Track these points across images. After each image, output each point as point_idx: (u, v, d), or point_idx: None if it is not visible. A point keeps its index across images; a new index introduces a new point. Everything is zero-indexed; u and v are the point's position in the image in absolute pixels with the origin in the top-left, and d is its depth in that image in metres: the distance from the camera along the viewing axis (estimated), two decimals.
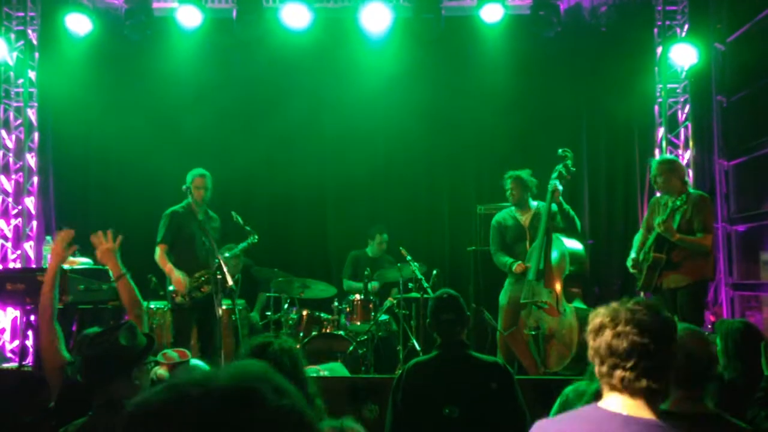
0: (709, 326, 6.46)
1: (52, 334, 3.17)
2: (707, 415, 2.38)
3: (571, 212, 5.82)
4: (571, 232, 5.78)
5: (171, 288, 5.45)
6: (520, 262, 5.79)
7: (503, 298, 5.93)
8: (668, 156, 6.37)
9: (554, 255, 5.63)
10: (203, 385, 0.92)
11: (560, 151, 5.86)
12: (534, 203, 5.99)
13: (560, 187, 5.69)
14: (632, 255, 5.50)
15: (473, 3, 7.38)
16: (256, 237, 5.68)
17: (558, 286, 5.57)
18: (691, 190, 5.50)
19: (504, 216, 6.11)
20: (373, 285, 6.51)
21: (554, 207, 5.72)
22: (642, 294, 5.52)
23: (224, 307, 6.01)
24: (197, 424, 0.88)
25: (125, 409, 0.96)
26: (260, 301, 7.18)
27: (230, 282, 5.37)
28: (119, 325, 2.74)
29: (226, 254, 5.56)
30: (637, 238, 5.61)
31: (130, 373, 2.57)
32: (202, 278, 5.43)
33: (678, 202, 5.15)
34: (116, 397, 2.50)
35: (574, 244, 5.71)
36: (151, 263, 5.61)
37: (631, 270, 5.51)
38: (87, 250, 6.73)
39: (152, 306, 5.88)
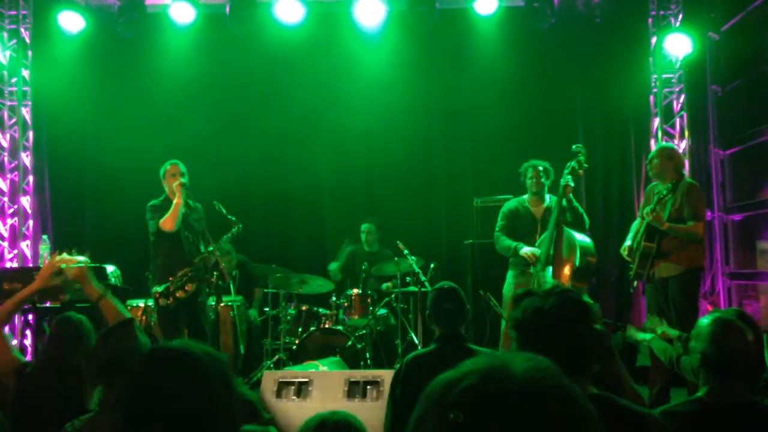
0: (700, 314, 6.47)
1: (4, 341, 3.23)
2: (742, 404, 2.41)
3: (581, 209, 5.82)
4: (578, 228, 5.77)
5: (154, 289, 5.32)
6: (530, 248, 5.72)
7: (507, 291, 5.90)
8: (666, 144, 6.35)
9: (565, 248, 5.59)
10: (503, 372, 0.94)
11: (574, 147, 5.83)
12: (547, 197, 5.98)
13: (572, 183, 5.68)
14: (627, 242, 5.51)
15: None
16: (241, 226, 5.62)
17: (567, 279, 5.54)
18: (681, 180, 5.47)
19: (516, 205, 6.05)
20: (371, 293, 6.52)
21: (565, 202, 5.71)
22: (635, 283, 5.52)
23: (223, 304, 6.02)
24: (500, 411, 0.90)
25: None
26: (258, 298, 7.18)
27: (226, 276, 5.34)
28: (120, 324, 2.75)
29: (210, 249, 5.41)
30: (634, 226, 5.61)
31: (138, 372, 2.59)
32: (185, 276, 5.26)
33: (664, 191, 5.16)
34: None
35: (584, 238, 5.70)
36: (147, 261, 5.57)
37: (626, 257, 5.51)
38: (84, 248, 6.77)
39: (150, 304, 5.87)
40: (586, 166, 5.90)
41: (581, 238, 5.66)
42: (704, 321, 2.58)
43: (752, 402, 2.45)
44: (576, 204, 5.78)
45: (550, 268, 5.58)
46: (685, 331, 4.70)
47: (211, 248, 5.33)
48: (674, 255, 5.18)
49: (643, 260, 5.26)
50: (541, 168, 5.93)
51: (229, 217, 5.55)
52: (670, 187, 5.15)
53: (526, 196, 6.03)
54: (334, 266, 7.08)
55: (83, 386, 2.98)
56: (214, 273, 5.36)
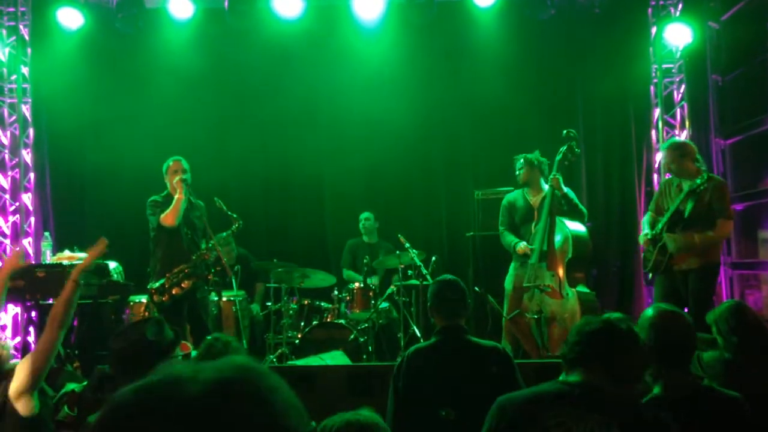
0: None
1: None
2: (699, 391, 2.42)
3: (576, 200, 5.81)
4: (575, 216, 5.78)
5: (149, 285, 5.30)
6: (524, 243, 5.79)
7: (508, 283, 5.92)
8: (675, 140, 6.27)
9: (557, 238, 5.62)
10: (172, 390, 0.88)
11: (564, 132, 5.82)
12: (545, 186, 5.98)
13: (559, 176, 5.68)
14: (645, 230, 5.46)
15: None
16: (241, 223, 5.61)
17: (561, 270, 5.56)
18: (705, 171, 5.39)
19: (515, 196, 6.09)
20: (373, 281, 6.52)
21: (558, 193, 5.71)
22: (651, 275, 5.51)
23: (225, 299, 6.02)
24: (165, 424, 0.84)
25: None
26: (259, 293, 7.18)
27: (228, 271, 5.33)
28: (147, 318, 2.81)
29: (210, 245, 5.39)
30: (647, 220, 5.58)
31: (157, 365, 2.61)
32: (182, 273, 5.23)
33: (698, 181, 5.11)
34: None
35: (577, 227, 5.70)
36: (148, 257, 5.57)
37: (642, 243, 5.50)
38: (85, 244, 6.78)
39: None
40: (578, 151, 5.90)
41: (574, 227, 5.66)
42: (648, 311, 2.61)
43: (708, 389, 2.46)
44: (571, 195, 5.78)
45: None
46: (699, 322, 4.71)
47: (211, 243, 5.32)
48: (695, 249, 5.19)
49: (662, 251, 5.26)
50: (523, 161, 5.94)
51: (230, 213, 5.54)
52: (705, 178, 5.10)
53: (526, 187, 6.06)
54: (347, 272, 7.10)
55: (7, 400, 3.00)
56: (212, 270, 5.35)
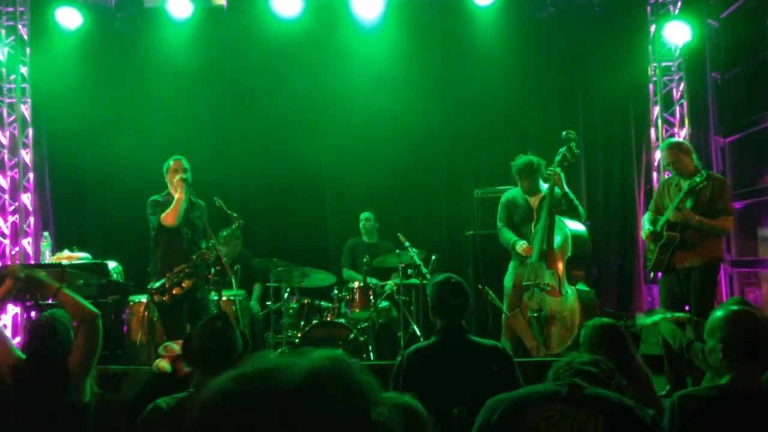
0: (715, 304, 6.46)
1: (2, 337, 3.30)
2: (765, 393, 2.42)
3: (575, 200, 5.80)
4: (573, 215, 5.77)
5: (150, 285, 5.26)
6: (524, 242, 5.78)
7: (508, 282, 5.92)
8: (673, 140, 6.24)
9: (557, 238, 5.62)
10: (269, 380, 0.90)
11: (564, 133, 5.81)
12: (544, 186, 5.97)
13: (561, 172, 5.67)
14: (647, 227, 5.47)
15: None
16: (241, 222, 5.60)
17: (560, 268, 5.56)
18: (703, 169, 5.39)
19: (514, 195, 6.08)
20: (374, 282, 6.52)
21: (559, 191, 5.70)
22: (652, 275, 5.49)
23: (225, 298, 6.01)
24: (258, 421, 0.86)
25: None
26: (257, 292, 7.18)
27: (228, 270, 5.32)
28: (222, 315, 2.90)
29: (210, 244, 5.37)
30: (647, 218, 5.58)
31: (235, 365, 2.67)
32: (182, 273, 5.20)
33: (697, 179, 5.13)
34: None
35: (576, 226, 5.70)
36: (148, 257, 5.56)
37: (644, 239, 5.49)
38: (84, 244, 6.78)
39: None
40: (578, 152, 5.89)
41: (573, 226, 5.66)
42: (716, 312, 2.60)
43: None
44: (570, 194, 5.76)
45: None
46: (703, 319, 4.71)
47: (212, 243, 5.30)
48: (698, 246, 5.19)
49: (663, 251, 5.25)
50: (523, 167, 5.90)
51: (230, 213, 5.53)
52: (704, 176, 5.12)
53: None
54: (347, 272, 7.11)
55: (69, 378, 3.10)
56: (212, 269, 5.34)
